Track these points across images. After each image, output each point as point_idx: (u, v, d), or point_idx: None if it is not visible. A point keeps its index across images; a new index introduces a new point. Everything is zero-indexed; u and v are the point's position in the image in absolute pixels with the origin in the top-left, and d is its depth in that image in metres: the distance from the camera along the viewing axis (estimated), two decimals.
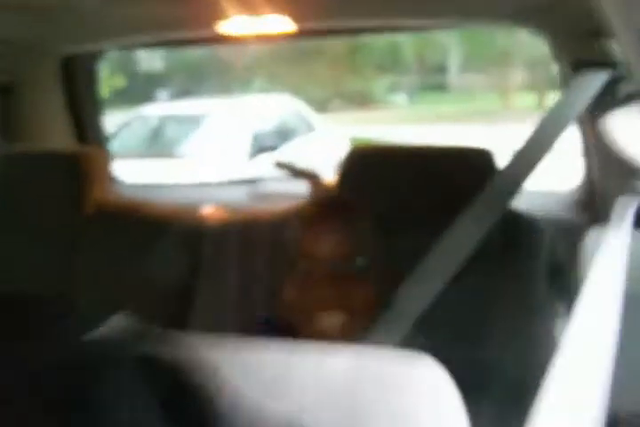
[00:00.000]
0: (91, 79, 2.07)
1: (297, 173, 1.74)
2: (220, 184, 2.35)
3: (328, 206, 1.17)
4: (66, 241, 1.49)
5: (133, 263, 1.40)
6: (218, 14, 1.42)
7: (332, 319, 1.07)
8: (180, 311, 1.36)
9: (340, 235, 1.10)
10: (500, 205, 1.16)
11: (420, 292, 1.11)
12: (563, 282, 1.28)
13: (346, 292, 1.07)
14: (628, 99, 1.37)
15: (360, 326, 1.09)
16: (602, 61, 1.34)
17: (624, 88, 1.34)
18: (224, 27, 1.52)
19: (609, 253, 0.42)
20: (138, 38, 1.73)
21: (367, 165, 1.31)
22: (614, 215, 0.44)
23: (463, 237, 1.13)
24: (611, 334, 0.39)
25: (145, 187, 2.37)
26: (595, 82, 1.31)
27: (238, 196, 2.10)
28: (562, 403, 0.35)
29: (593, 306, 0.40)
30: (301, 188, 1.91)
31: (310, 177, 1.66)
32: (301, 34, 1.62)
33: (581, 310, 0.40)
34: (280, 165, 1.83)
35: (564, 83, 1.62)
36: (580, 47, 1.52)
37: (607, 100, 1.35)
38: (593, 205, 1.74)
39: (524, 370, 1.20)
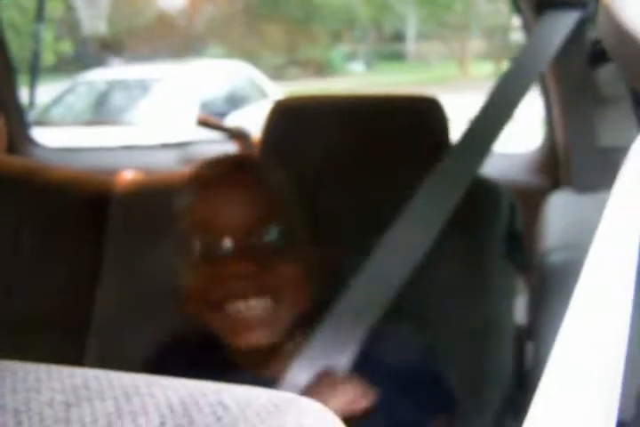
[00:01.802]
0: None
1: (221, 130, 1.55)
2: (150, 147, 2.16)
3: (229, 165, 0.94)
4: None
5: (23, 239, 1.21)
6: None
7: (253, 308, 0.85)
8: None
9: (242, 200, 0.88)
10: (467, 172, 1.00)
11: (383, 277, 0.92)
12: (522, 252, 1.13)
13: (260, 272, 0.85)
14: (598, 44, 1.21)
15: (290, 315, 0.88)
16: (569, 0, 1.17)
17: (594, 31, 1.17)
18: None
19: (618, 217, 0.26)
20: None
21: (295, 118, 1.12)
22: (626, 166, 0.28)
23: (428, 214, 0.96)
24: (625, 319, 0.29)
25: (68, 151, 2.17)
26: (562, 25, 1.14)
27: (167, 160, 1.92)
28: (562, 405, 0.27)
29: (602, 291, 0.26)
30: (233, 150, 1.74)
31: (237, 135, 1.48)
32: None
33: (585, 289, 0.26)
34: (202, 123, 1.64)
35: (528, 28, 1.45)
36: None
37: (575, 45, 1.19)
38: (555, 168, 1.60)
39: (479, 349, 1.07)
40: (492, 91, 1.07)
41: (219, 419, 0.26)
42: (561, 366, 0.28)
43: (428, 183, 0.98)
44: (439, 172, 0.99)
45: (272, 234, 0.87)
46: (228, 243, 0.86)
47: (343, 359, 0.88)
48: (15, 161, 1.37)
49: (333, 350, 0.88)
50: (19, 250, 1.24)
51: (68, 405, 0.27)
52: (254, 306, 0.85)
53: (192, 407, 0.26)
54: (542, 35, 1.14)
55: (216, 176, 0.91)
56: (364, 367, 0.89)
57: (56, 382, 0.29)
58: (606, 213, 0.28)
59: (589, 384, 0.27)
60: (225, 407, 0.26)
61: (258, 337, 0.85)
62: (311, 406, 0.28)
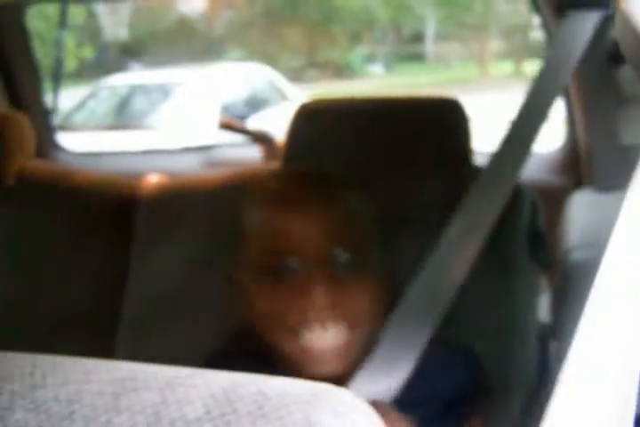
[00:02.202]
0: (20, 35, 1.87)
1: (245, 133, 1.57)
2: (174, 152, 2.18)
3: (303, 178, 0.89)
4: None
5: (53, 241, 1.24)
6: None
7: (330, 336, 0.81)
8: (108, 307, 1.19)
9: (317, 219, 0.83)
10: (510, 176, 0.99)
11: (437, 288, 0.89)
12: (544, 250, 1.13)
13: (336, 297, 0.81)
14: (619, 43, 1.21)
15: (364, 342, 0.84)
16: (591, 1, 1.17)
17: (614, 30, 1.18)
18: None
19: (632, 221, 0.27)
20: None
21: (319, 121, 1.13)
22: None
23: (476, 221, 0.93)
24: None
25: (93, 155, 2.20)
26: (585, 25, 1.13)
27: (191, 163, 1.94)
28: (583, 401, 0.28)
29: (618, 290, 0.27)
30: (257, 154, 1.76)
31: (261, 139, 1.49)
32: None
33: (602, 289, 0.27)
34: (225, 126, 1.65)
35: (547, 28, 1.45)
36: None
37: (595, 45, 1.19)
38: (577, 168, 1.60)
39: (502, 348, 1.07)
40: (526, 94, 1.07)
41: (260, 407, 0.27)
42: (578, 365, 0.29)
43: (474, 190, 0.97)
44: (483, 178, 0.98)
45: (345, 255, 0.83)
46: (303, 265, 0.82)
47: (401, 376, 0.83)
48: (43, 166, 1.39)
49: (392, 366, 0.83)
50: (48, 252, 1.27)
51: (116, 395, 0.29)
52: (331, 334, 0.81)
53: (234, 397, 0.28)
54: (566, 35, 1.14)
55: (293, 192, 0.87)
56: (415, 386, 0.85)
57: (104, 375, 0.30)
58: (622, 212, 0.30)
59: (606, 382, 0.28)
60: (265, 397, 0.28)
61: (333, 367, 0.82)
62: (346, 395, 0.30)
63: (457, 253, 0.92)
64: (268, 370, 0.95)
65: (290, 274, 0.82)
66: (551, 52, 1.12)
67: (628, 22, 0.29)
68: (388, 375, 0.82)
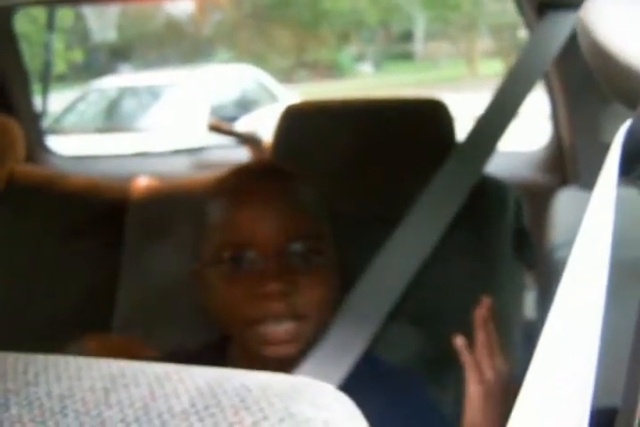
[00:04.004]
0: (8, 38, 1.87)
1: (233, 135, 1.58)
2: (163, 154, 2.20)
3: (259, 173, 0.91)
4: None
5: (44, 245, 1.25)
6: None
7: (280, 326, 0.84)
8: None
9: (275, 212, 0.85)
10: (474, 170, 1.01)
11: (389, 277, 0.92)
12: (530, 248, 1.15)
13: (293, 292, 0.83)
14: None
15: (316, 329, 0.87)
16: (570, 1, 1.19)
17: None
18: None
19: (595, 219, 0.28)
20: None
21: (305, 123, 1.14)
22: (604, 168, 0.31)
23: (434, 214, 0.96)
24: (599, 318, 0.32)
25: (83, 159, 2.21)
26: (563, 25, 1.16)
27: (181, 166, 1.95)
28: (546, 395, 0.30)
29: (579, 287, 0.29)
30: (245, 156, 1.77)
31: (249, 140, 1.50)
32: None
33: (566, 291, 0.28)
34: (214, 128, 1.67)
35: (530, 27, 1.47)
36: None
37: (578, 44, 1.21)
38: (562, 166, 1.62)
39: None
40: (496, 90, 1.09)
41: (242, 400, 0.29)
42: (542, 362, 0.30)
43: (435, 183, 1.00)
44: (445, 171, 1.01)
45: (301, 248, 0.85)
46: (259, 257, 0.84)
47: (348, 363, 0.87)
48: (33, 170, 1.40)
49: (340, 352, 0.88)
50: (39, 256, 1.28)
51: (107, 390, 0.30)
52: (285, 324, 0.84)
53: (218, 390, 0.29)
54: (544, 35, 1.16)
55: (249, 186, 0.88)
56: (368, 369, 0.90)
57: (95, 372, 0.32)
58: (588, 210, 0.31)
59: (564, 382, 0.29)
60: (248, 390, 0.29)
61: (284, 350, 0.85)
62: (326, 388, 0.31)
63: (410, 247, 0.94)
64: (222, 360, 0.95)
65: (247, 266, 0.85)
66: (526, 51, 1.14)
67: (586, 31, 0.31)
68: (337, 361, 0.86)
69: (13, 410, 0.29)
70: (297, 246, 0.85)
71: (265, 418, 0.28)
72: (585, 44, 0.32)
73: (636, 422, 0.32)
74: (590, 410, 0.30)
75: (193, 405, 0.29)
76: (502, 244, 1.12)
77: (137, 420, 0.28)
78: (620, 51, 0.29)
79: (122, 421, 0.29)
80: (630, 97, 0.31)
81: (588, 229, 0.31)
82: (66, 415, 0.29)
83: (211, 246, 0.88)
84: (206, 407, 0.28)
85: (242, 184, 0.89)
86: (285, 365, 0.86)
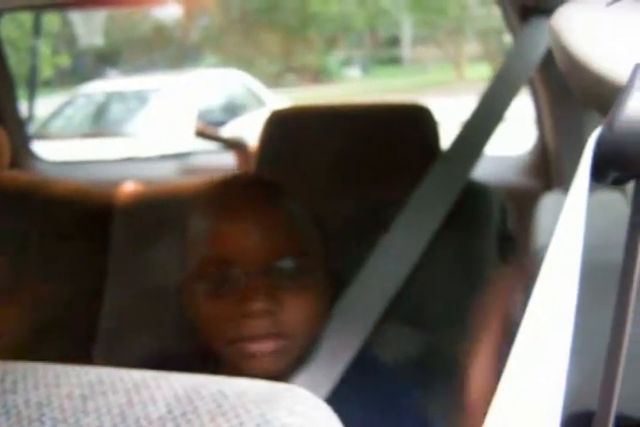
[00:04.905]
0: None
1: (219, 141, 1.58)
2: (150, 159, 2.20)
3: (245, 187, 0.88)
4: None
5: (29, 251, 1.24)
6: None
7: (264, 344, 0.81)
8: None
9: (259, 228, 0.82)
10: (460, 175, 1.02)
11: (378, 282, 0.92)
12: (514, 252, 1.16)
13: (276, 311, 0.81)
14: None
15: (302, 346, 0.86)
16: (552, 7, 1.20)
17: None
18: None
19: (567, 223, 0.29)
20: None
21: (290, 128, 1.15)
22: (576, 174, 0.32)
23: (422, 219, 0.97)
24: (570, 320, 0.33)
25: (69, 164, 2.20)
26: (546, 31, 1.16)
27: (167, 171, 1.95)
28: (519, 397, 0.30)
29: (552, 288, 0.29)
30: (232, 161, 1.77)
31: (235, 146, 1.50)
32: None
33: (540, 293, 0.29)
34: (200, 134, 1.67)
35: (514, 32, 1.48)
36: None
37: None
38: (547, 170, 1.62)
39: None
40: (481, 95, 1.10)
41: (219, 406, 0.29)
42: (515, 366, 0.30)
43: (422, 188, 1.00)
44: (432, 176, 1.01)
45: (287, 265, 0.83)
46: (243, 274, 0.82)
47: (338, 370, 0.87)
48: (19, 175, 1.40)
49: (333, 357, 0.88)
50: (25, 262, 1.28)
51: (84, 398, 0.30)
52: (269, 343, 0.82)
53: (195, 397, 0.30)
54: (527, 40, 1.17)
55: (234, 201, 0.85)
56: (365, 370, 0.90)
57: (73, 379, 0.32)
58: (562, 213, 0.31)
59: (538, 383, 0.30)
60: (224, 396, 0.30)
61: (268, 365, 0.83)
62: (304, 394, 0.31)
63: (398, 252, 0.94)
64: (205, 370, 0.95)
65: (230, 283, 0.82)
66: (510, 56, 1.15)
67: (557, 39, 0.31)
68: (328, 369, 0.86)
69: None
70: (283, 264, 0.83)
71: (241, 424, 0.28)
72: (556, 52, 0.33)
73: (611, 425, 0.33)
74: (567, 414, 0.31)
75: (170, 411, 0.29)
76: (487, 247, 1.13)
77: None
78: (590, 58, 0.30)
79: None
80: (601, 104, 0.31)
81: (561, 234, 0.31)
82: (43, 423, 0.29)
83: (194, 260, 0.86)
84: (183, 414, 0.29)
85: (227, 198, 0.87)
86: (271, 379, 0.84)
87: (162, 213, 1.20)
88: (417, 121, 1.14)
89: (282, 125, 1.16)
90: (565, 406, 0.31)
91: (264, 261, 0.82)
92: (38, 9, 2.28)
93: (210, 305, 0.84)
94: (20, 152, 2.00)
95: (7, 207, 1.31)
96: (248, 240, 0.82)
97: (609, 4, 0.32)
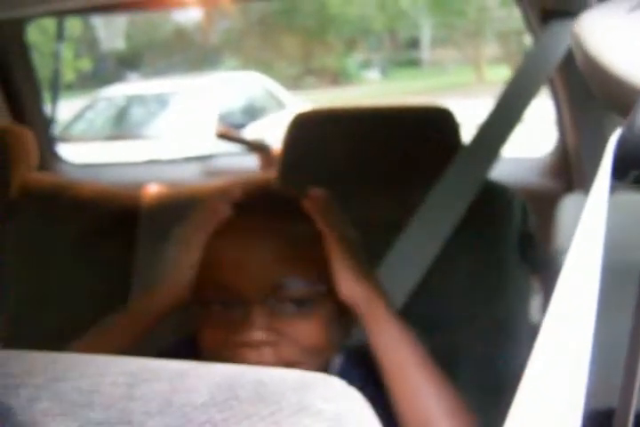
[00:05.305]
0: (21, 50, 1.91)
1: (241, 143, 1.60)
2: (174, 162, 2.22)
3: (252, 206, 0.80)
4: None
5: (56, 253, 1.26)
6: None
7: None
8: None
9: (267, 253, 0.76)
10: (477, 175, 1.02)
11: (395, 280, 0.92)
12: (535, 254, 1.17)
13: (279, 333, 0.76)
14: None
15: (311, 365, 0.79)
16: (572, 10, 1.21)
17: None
18: None
19: (589, 223, 0.30)
20: (66, 3, 1.57)
21: (313, 131, 1.16)
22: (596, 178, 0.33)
23: (438, 218, 0.97)
24: (591, 320, 0.33)
25: (93, 166, 2.23)
26: (566, 33, 1.17)
27: (190, 173, 1.98)
28: (541, 395, 0.31)
29: (574, 289, 0.30)
30: (254, 163, 1.79)
31: (257, 148, 1.52)
32: None
33: (561, 293, 0.31)
34: (222, 136, 1.69)
35: (535, 34, 1.49)
36: None
37: None
38: (567, 172, 1.63)
39: (494, 350, 1.10)
40: (499, 96, 1.11)
41: (258, 393, 0.31)
42: (537, 365, 0.31)
43: (439, 188, 1.01)
44: (449, 175, 1.02)
45: (294, 294, 0.77)
46: (244, 302, 0.77)
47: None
48: (45, 178, 1.43)
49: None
50: (51, 264, 1.30)
51: (130, 385, 0.32)
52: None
53: (235, 384, 0.31)
54: (547, 42, 1.18)
55: (238, 223, 0.79)
56: None
57: (117, 368, 0.34)
58: (583, 215, 0.33)
59: (557, 385, 0.31)
60: (263, 384, 0.31)
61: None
62: (337, 383, 0.33)
63: (416, 251, 0.95)
64: None
65: (231, 310, 0.78)
66: (530, 58, 1.15)
67: (579, 43, 0.33)
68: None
69: (44, 404, 0.31)
70: (287, 292, 0.77)
71: (280, 409, 0.30)
72: (578, 55, 0.34)
73: (631, 422, 0.34)
74: (589, 411, 0.32)
75: (212, 398, 0.31)
76: (508, 248, 1.14)
77: (160, 412, 0.30)
78: (611, 62, 0.31)
79: (146, 413, 0.30)
80: (621, 106, 0.32)
81: (582, 234, 0.33)
82: (93, 409, 0.31)
83: (196, 281, 0.81)
84: (225, 400, 0.30)
85: (231, 220, 0.80)
86: None
87: (186, 214, 1.22)
88: (440, 123, 1.15)
89: (305, 128, 1.17)
90: (587, 404, 0.32)
91: (266, 289, 0.77)
92: (62, 14, 2.31)
93: (208, 330, 0.80)
94: (46, 155, 2.03)
95: (35, 209, 1.33)
96: (249, 267, 0.77)
97: (630, 11, 0.33)
